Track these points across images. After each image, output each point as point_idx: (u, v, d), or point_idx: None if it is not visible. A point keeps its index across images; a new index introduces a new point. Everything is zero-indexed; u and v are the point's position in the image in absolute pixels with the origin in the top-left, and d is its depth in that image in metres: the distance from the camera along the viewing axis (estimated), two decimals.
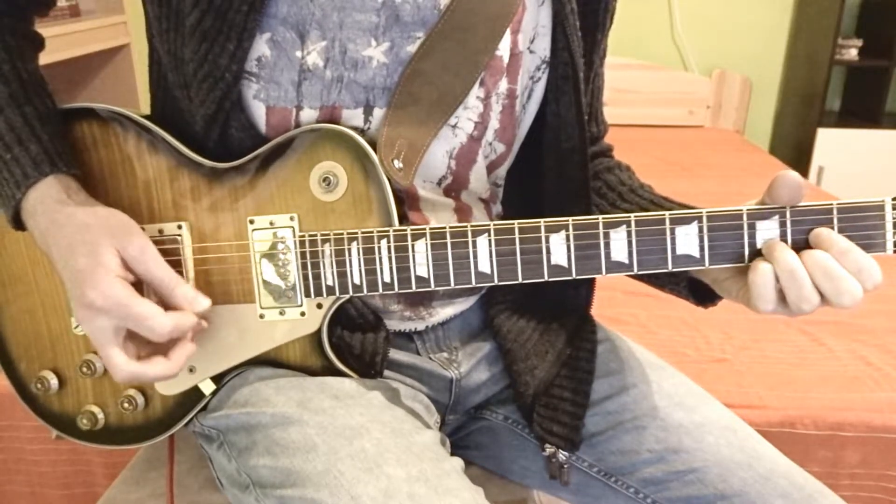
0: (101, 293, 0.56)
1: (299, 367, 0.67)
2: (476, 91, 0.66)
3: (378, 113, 0.63)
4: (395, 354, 0.72)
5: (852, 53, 2.77)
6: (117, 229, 0.59)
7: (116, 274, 0.57)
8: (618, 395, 0.74)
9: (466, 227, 0.60)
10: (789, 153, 2.99)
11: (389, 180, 0.62)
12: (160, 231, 0.65)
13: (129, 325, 0.57)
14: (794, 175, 0.55)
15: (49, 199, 0.60)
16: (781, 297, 0.56)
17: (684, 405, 0.72)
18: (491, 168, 0.72)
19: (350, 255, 0.62)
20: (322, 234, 0.62)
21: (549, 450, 0.73)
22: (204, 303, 0.61)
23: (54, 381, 0.70)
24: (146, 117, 0.66)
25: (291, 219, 0.63)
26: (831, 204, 0.56)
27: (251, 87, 0.62)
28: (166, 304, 0.60)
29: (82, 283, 0.56)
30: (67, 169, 0.62)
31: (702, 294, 0.68)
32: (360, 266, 0.62)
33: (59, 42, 2.04)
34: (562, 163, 0.71)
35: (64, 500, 1.25)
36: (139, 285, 0.60)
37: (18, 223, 0.63)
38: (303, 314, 0.64)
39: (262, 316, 0.65)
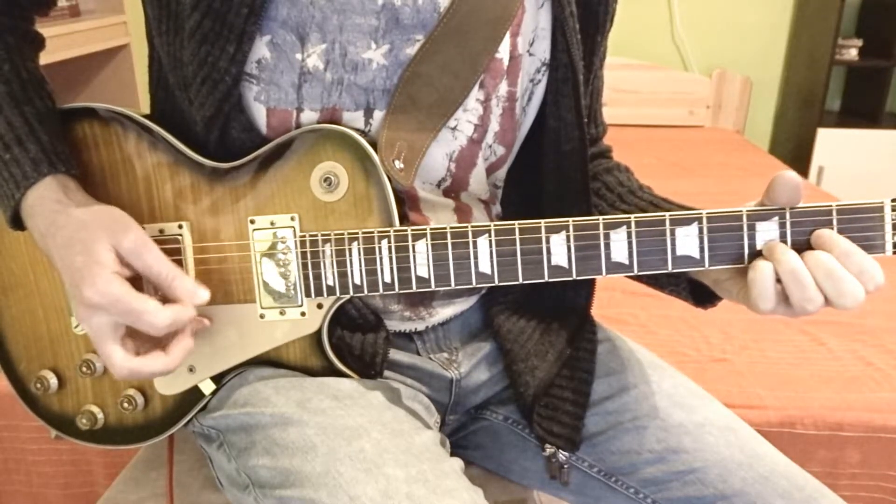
0: (97, 290, 0.56)
1: (299, 367, 0.67)
2: (476, 93, 0.66)
3: (378, 115, 0.63)
4: (395, 355, 0.72)
5: (852, 53, 2.78)
6: (113, 225, 0.59)
7: (113, 270, 0.57)
8: (618, 395, 0.74)
9: (467, 227, 0.60)
10: (789, 153, 3.00)
11: (390, 180, 0.62)
12: (161, 231, 0.65)
13: (128, 320, 0.57)
14: (792, 175, 0.55)
15: (48, 200, 0.60)
16: (782, 296, 0.56)
17: (684, 405, 0.72)
18: (490, 170, 0.72)
19: (351, 255, 0.62)
20: (323, 235, 0.62)
21: (549, 450, 0.73)
22: (204, 295, 0.60)
23: (54, 381, 0.70)
24: (146, 117, 0.66)
25: (292, 219, 0.63)
26: (831, 205, 0.56)
27: (251, 89, 0.62)
28: (166, 298, 0.60)
29: (80, 282, 0.56)
30: (66, 169, 0.62)
31: (702, 296, 0.68)
32: (360, 266, 0.62)
33: (59, 42, 2.04)
34: (561, 164, 0.71)
35: (64, 500, 1.25)
36: (138, 280, 0.60)
37: (17, 223, 0.63)
38: (303, 314, 0.64)
39: (262, 316, 0.65)
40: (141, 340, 0.60)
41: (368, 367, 0.68)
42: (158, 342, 0.60)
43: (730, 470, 0.68)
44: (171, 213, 0.65)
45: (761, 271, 0.56)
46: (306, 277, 0.63)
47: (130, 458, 0.90)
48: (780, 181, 0.56)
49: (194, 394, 0.68)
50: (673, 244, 0.58)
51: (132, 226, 0.59)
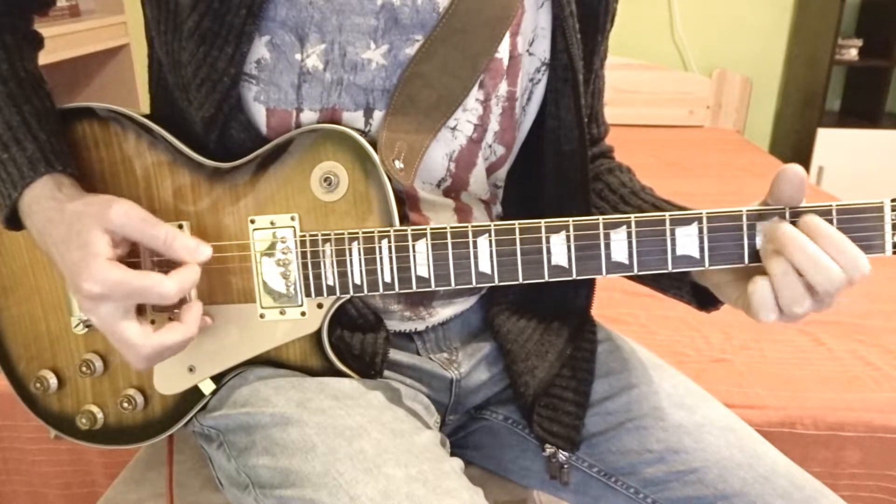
0: (96, 280, 0.55)
1: (299, 367, 0.67)
2: (475, 93, 0.66)
3: (378, 115, 0.63)
4: (395, 355, 0.72)
5: (852, 53, 2.78)
6: (99, 206, 0.58)
7: (107, 257, 0.56)
8: (618, 395, 0.74)
9: (467, 227, 0.60)
10: (789, 153, 3.00)
11: (390, 180, 0.62)
12: None
13: (135, 300, 0.57)
14: (797, 170, 0.55)
15: (43, 198, 0.60)
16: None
17: (684, 405, 0.72)
18: (490, 170, 0.72)
19: (351, 254, 0.62)
20: (323, 234, 0.62)
21: (550, 450, 0.73)
22: (206, 251, 0.60)
23: (53, 381, 0.70)
24: (147, 117, 0.66)
25: (292, 219, 0.63)
26: (830, 205, 0.56)
27: (251, 89, 0.62)
28: (167, 264, 0.59)
29: (78, 276, 0.56)
30: (63, 168, 0.62)
31: (704, 298, 0.68)
32: (360, 266, 0.62)
33: (59, 42, 2.04)
34: (562, 164, 0.71)
35: (64, 500, 1.25)
36: (136, 264, 0.59)
37: (14, 223, 0.63)
38: (303, 314, 0.64)
39: (262, 316, 0.65)
40: (148, 322, 0.59)
41: (368, 367, 0.68)
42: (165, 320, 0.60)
43: (730, 470, 0.68)
44: (172, 213, 0.65)
45: (760, 287, 0.56)
46: (306, 277, 0.63)
47: (130, 458, 0.90)
48: (784, 176, 0.55)
49: (194, 394, 0.68)
50: (673, 244, 0.58)
51: (115, 200, 0.58)
